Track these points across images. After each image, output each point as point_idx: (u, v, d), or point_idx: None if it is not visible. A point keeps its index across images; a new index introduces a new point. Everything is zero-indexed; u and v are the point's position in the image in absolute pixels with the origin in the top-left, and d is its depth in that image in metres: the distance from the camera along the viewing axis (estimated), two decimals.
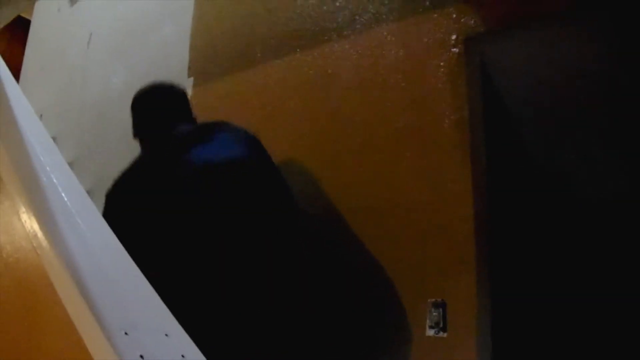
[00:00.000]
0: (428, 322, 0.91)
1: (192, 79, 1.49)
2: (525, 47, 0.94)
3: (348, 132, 1.11)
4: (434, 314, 0.90)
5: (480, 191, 0.93)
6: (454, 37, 1.00)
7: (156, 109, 1.10)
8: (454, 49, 0.99)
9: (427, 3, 1.04)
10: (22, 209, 0.43)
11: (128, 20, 1.84)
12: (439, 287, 0.94)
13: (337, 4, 1.21)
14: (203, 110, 1.28)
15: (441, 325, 0.89)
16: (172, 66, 1.53)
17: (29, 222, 0.42)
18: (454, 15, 1.00)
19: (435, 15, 1.02)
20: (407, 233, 1.00)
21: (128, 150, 1.13)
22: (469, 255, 0.92)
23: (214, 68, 1.44)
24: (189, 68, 1.54)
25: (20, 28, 2.13)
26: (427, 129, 1.00)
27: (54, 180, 0.47)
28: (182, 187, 0.88)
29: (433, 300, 0.93)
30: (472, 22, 0.99)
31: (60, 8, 2.06)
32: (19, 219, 0.43)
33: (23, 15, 2.06)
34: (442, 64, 1.01)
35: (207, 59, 1.47)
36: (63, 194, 0.48)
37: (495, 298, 0.87)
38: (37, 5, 2.20)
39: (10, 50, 2.14)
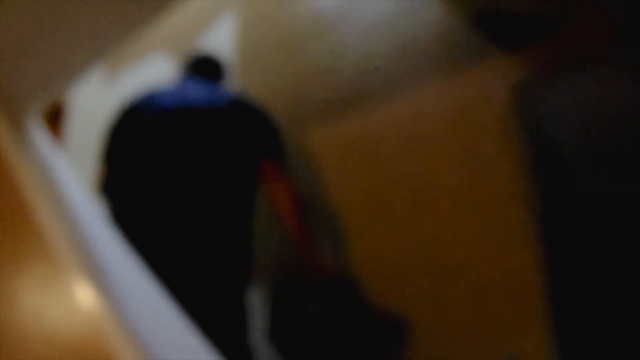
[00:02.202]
0: None
1: None
2: (574, 92, 0.92)
3: (398, 193, 1.09)
4: None
5: (540, 240, 0.90)
6: (500, 87, 0.99)
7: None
8: (501, 99, 0.98)
9: (470, 55, 1.03)
10: (79, 285, 0.42)
11: None
12: (510, 342, 0.89)
13: (377, 64, 1.22)
14: None
15: None
16: None
17: (87, 300, 0.41)
18: (498, 65, 0.99)
19: (479, 66, 1.01)
20: (469, 291, 0.96)
21: None
22: (536, 307, 0.87)
23: None
24: None
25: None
26: (479, 182, 0.97)
27: (109, 256, 0.47)
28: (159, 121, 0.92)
29: (506, 355, 0.88)
30: (518, 70, 0.97)
31: (96, 86, 2.14)
32: (75, 297, 0.41)
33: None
34: (490, 115, 1.00)
35: None
36: (119, 269, 0.47)
37: (565, 349, 0.82)
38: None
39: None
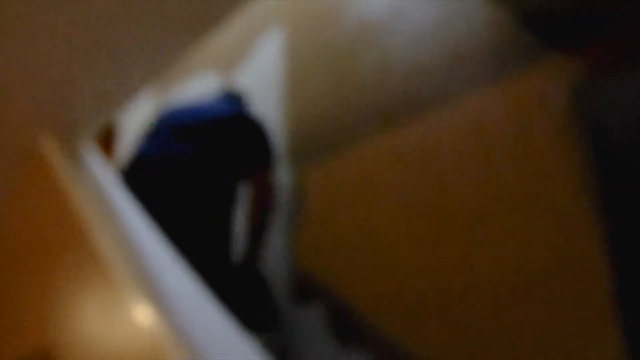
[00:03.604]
0: None
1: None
2: (633, 90, 0.87)
3: (455, 205, 1.05)
4: None
5: (606, 245, 0.85)
6: (556, 89, 0.94)
7: None
8: (559, 101, 0.94)
9: (523, 58, 0.99)
10: (138, 307, 0.42)
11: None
12: (586, 357, 0.84)
13: (426, 73, 1.19)
14: (298, 195, 1.31)
15: None
16: None
17: (147, 319, 0.41)
18: (553, 67, 0.95)
19: (534, 69, 0.97)
20: (540, 306, 0.91)
21: None
22: (606, 317, 0.82)
23: (308, 151, 1.43)
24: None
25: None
26: (541, 190, 0.93)
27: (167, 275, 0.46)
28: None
29: None
30: (573, 71, 0.93)
31: (146, 106, 2.19)
32: (135, 318, 0.41)
33: None
34: (548, 118, 0.95)
35: (300, 142, 1.47)
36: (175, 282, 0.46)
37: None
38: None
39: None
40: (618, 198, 0.84)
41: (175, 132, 1.13)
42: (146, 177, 1.05)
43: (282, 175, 1.36)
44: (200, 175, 1.08)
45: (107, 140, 2.21)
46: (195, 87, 1.92)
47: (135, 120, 2.20)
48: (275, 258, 1.31)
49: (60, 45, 0.44)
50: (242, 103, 1.27)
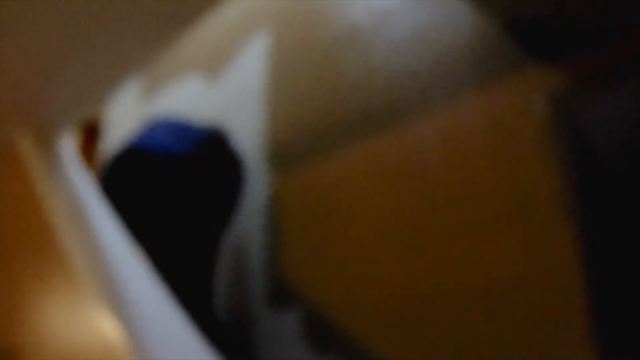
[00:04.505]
0: None
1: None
2: (616, 103, 0.88)
3: (432, 212, 1.05)
4: None
5: (586, 258, 0.85)
6: (539, 98, 0.95)
7: None
8: (541, 110, 0.94)
9: (507, 66, 1.00)
10: (100, 314, 0.41)
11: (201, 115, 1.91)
12: None
13: (407, 83, 1.19)
14: (278, 202, 1.29)
15: None
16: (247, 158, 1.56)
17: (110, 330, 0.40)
18: (537, 76, 0.95)
19: (517, 77, 0.97)
20: (514, 314, 0.91)
21: None
22: (583, 328, 0.82)
23: (288, 157, 1.42)
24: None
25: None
26: (520, 199, 0.93)
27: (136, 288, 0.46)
28: None
29: None
30: (557, 81, 0.94)
31: (131, 104, 2.18)
32: (95, 325, 0.40)
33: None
34: (529, 127, 0.96)
35: (280, 148, 1.46)
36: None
37: None
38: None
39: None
40: (597, 210, 0.84)
41: (175, 130, 1.11)
42: (139, 171, 1.02)
43: (261, 181, 1.35)
44: (197, 183, 1.07)
45: (91, 139, 2.20)
46: (180, 90, 1.92)
47: (120, 118, 2.19)
48: (252, 263, 1.30)
49: (33, 39, 0.43)
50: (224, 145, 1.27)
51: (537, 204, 0.91)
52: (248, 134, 1.53)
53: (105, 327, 0.40)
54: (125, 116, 2.20)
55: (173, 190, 1.03)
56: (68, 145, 0.64)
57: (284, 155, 1.43)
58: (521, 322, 0.87)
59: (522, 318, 0.87)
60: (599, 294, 0.81)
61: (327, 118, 1.33)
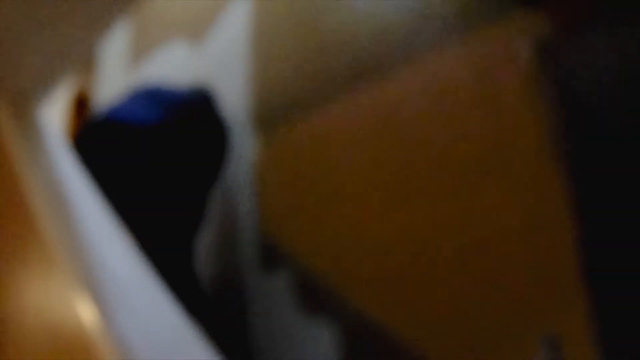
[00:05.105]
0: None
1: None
2: (602, 43, 0.85)
3: (419, 164, 1.02)
4: (548, 350, 0.80)
5: (576, 210, 0.83)
6: (523, 43, 0.92)
7: None
8: (525, 55, 0.91)
9: (489, 13, 0.96)
10: (75, 291, 0.40)
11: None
12: (547, 323, 0.83)
13: (390, 35, 1.15)
14: (263, 164, 1.26)
15: None
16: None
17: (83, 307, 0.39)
18: (520, 21, 0.92)
19: (500, 24, 0.94)
20: (495, 269, 0.90)
21: None
22: (572, 282, 0.81)
23: (274, 116, 1.40)
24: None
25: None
26: (507, 149, 0.91)
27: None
28: None
29: (545, 336, 0.82)
30: (540, 25, 0.90)
31: (120, 75, 2.15)
32: (70, 302, 0.39)
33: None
34: (514, 73, 0.93)
35: (265, 107, 1.43)
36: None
37: (606, 328, 0.76)
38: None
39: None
40: (586, 157, 0.82)
41: (152, 99, 1.08)
42: (112, 143, 0.99)
43: (247, 142, 1.32)
44: (177, 150, 1.03)
45: (81, 112, 2.16)
46: (166, 57, 1.88)
47: (109, 89, 2.16)
48: (240, 225, 1.29)
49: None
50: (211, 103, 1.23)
51: (524, 153, 0.89)
52: (233, 97, 1.50)
53: (79, 306, 0.39)
54: (114, 87, 2.17)
55: (150, 159, 1.00)
56: (47, 116, 0.61)
57: (269, 116, 1.41)
58: (513, 278, 0.86)
59: (514, 274, 0.86)
60: (592, 246, 0.80)
61: (311, 76, 1.30)
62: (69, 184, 0.52)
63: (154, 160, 0.99)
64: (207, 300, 1.04)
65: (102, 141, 0.95)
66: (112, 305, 0.38)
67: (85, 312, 0.39)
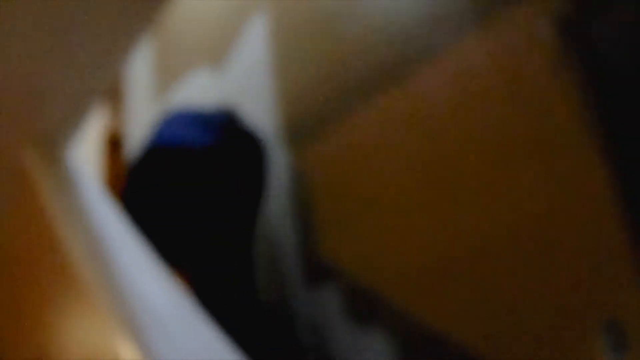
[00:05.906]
0: (605, 346, 0.75)
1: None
2: (624, 18, 0.80)
3: (454, 159, 0.98)
4: (610, 336, 0.74)
5: (620, 189, 0.78)
6: (544, 24, 0.88)
7: None
8: (549, 36, 0.87)
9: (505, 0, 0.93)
10: (116, 335, 0.38)
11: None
12: (609, 308, 0.78)
13: (409, 34, 1.12)
14: (301, 180, 1.25)
15: (622, 346, 0.73)
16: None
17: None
18: (539, 4, 0.88)
19: (519, 7, 0.90)
20: (540, 254, 0.85)
21: None
22: (625, 263, 0.75)
23: (304, 128, 1.37)
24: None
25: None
26: (539, 133, 0.86)
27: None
28: None
29: (606, 322, 0.76)
30: (560, 4, 0.86)
31: (148, 110, 2.18)
32: (112, 349, 0.38)
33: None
34: (539, 57, 0.89)
35: (295, 120, 1.41)
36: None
37: None
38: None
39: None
40: (621, 135, 0.78)
41: (192, 121, 1.06)
42: (162, 169, 0.97)
43: (280, 160, 1.31)
44: (230, 169, 1.02)
45: (115, 150, 2.20)
46: (190, 85, 1.90)
47: (140, 123, 2.19)
48: (285, 245, 1.27)
49: (19, 52, 0.40)
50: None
51: (558, 135, 0.84)
52: (261, 115, 1.49)
53: (118, 342, 0.37)
54: (143, 121, 2.20)
55: (205, 183, 0.98)
56: (77, 157, 0.61)
57: (299, 130, 1.39)
58: (567, 266, 0.80)
59: (567, 262, 0.80)
60: (638, 225, 0.74)
61: (335, 85, 1.27)
62: (104, 224, 0.51)
63: (211, 180, 0.97)
64: (266, 316, 1.03)
65: (161, 167, 0.92)
66: (152, 339, 0.36)
67: (125, 348, 0.37)
